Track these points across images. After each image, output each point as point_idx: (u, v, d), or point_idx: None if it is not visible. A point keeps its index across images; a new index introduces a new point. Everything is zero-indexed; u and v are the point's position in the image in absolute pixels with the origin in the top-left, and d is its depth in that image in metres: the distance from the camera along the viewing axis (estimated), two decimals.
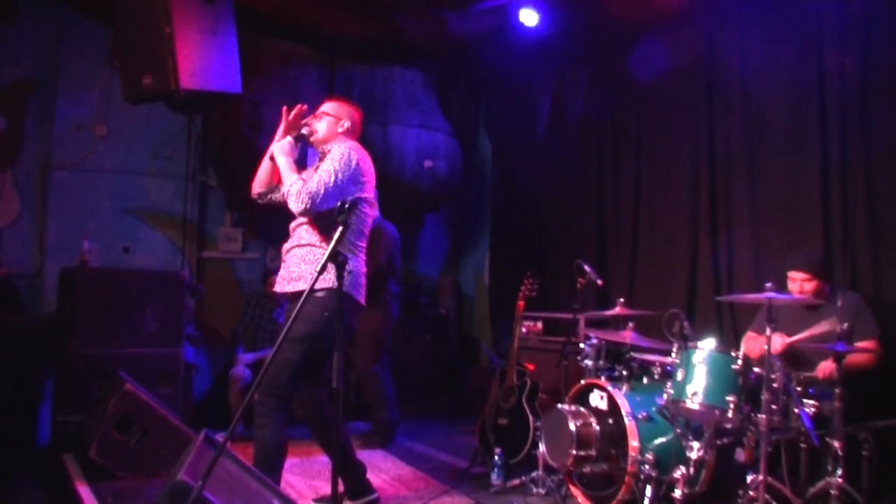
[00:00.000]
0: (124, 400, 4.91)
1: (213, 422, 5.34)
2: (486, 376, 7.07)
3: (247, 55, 6.16)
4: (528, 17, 6.79)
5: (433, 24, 7.12)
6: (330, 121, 4.25)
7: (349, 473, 4.34)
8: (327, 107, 4.32)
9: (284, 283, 4.08)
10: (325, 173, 3.94)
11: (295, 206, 3.93)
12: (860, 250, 4.86)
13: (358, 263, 4.09)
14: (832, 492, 3.82)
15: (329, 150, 4.12)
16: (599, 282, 5.29)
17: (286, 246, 4.16)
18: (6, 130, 6.85)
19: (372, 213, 4.27)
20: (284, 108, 4.22)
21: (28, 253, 6.89)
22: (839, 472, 3.84)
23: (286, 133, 4.19)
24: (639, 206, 6.47)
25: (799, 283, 4.55)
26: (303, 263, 4.01)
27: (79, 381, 5.39)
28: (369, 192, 4.15)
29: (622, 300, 4.99)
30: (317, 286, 3.44)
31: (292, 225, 4.15)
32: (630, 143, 6.63)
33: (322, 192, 3.89)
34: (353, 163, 4.01)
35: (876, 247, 4.79)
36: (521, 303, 5.50)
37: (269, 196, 4.27)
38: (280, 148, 4.13)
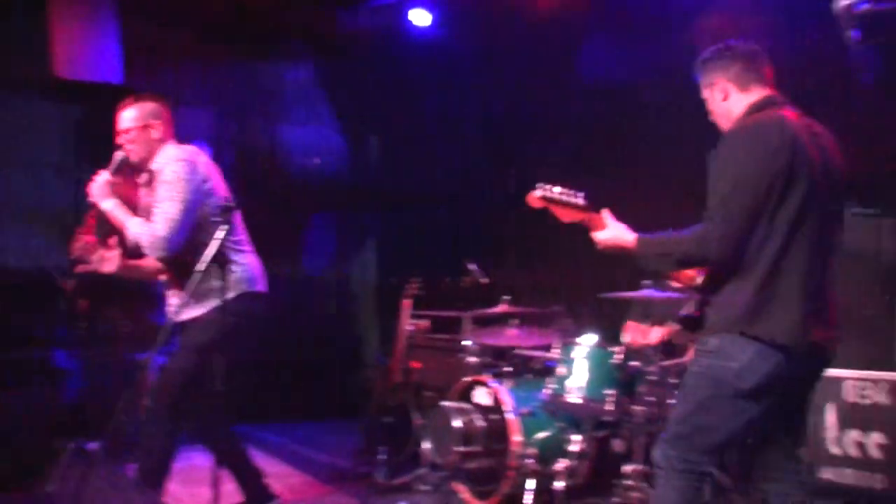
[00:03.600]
0: None
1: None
2: (371, 375, 7.03)
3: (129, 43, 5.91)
4: (420, 18, 6.81)
5: (323, 19, 7.03)
6: (138, 133, 3.76)
7: (246, 480, 4.16)
8: (127, 116, 3.78)
9: (183, 311, 3.73)
10: (165, 206, 3.58)
11: (152, 254, 3.65)
12: None
13: (245, 257, 3.91)
14: None
15: (158, 171, 3.71)
16: (485, 280, 5.34)
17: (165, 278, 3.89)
18: None
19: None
20: None
21: None
22: None
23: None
24: (524, 204, 6.55)
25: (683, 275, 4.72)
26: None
27: None
28: (220, 189, 3.81)
29: (507, 298, 5.05)
30: (227, 295, 3.42)
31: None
32: (519, 142, 6.70)
33: (172, 229, 3.56)
34: (187, 175, 3.64)
35: None
36: (408, 301, 5.50)
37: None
38: (99, 193, 3.70)
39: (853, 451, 3.91)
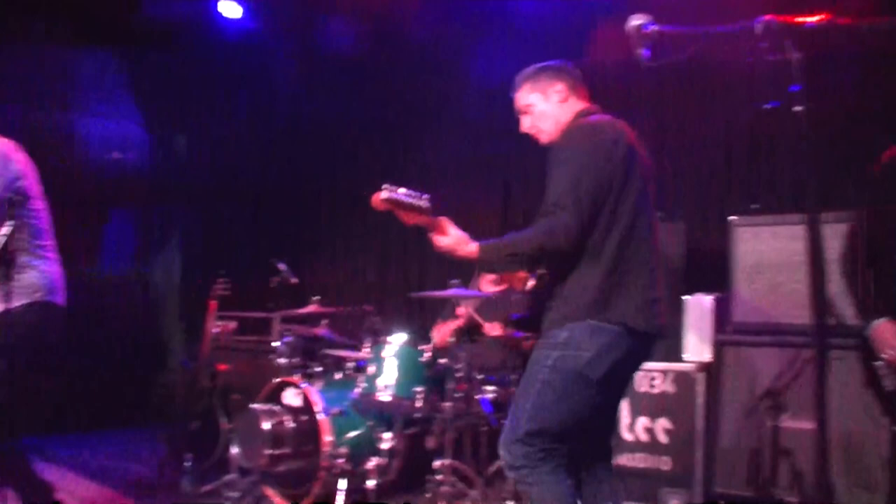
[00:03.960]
0: None
1: None
2: (176, 379, 6.76)
3: None
4: (230, 10, 6.60)
5: (124, 6, 6.62)
6: None
7: (33, 497, 3.81)
8: None
9: None
10: None
11: None
12: None
13: (48, 264, 3.59)
14: None
15: None
16: (294, 279, 5.27)
17: None
18: None
19: (43, 206, 3.78)
20: None
21: None
22: None
23: None
24: (336, 203, 6.53)
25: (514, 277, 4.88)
26: None
27: None
28: (33, 185, 3.56)
29: (317, 297, 5.02)
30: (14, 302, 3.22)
31: None
32: (334, 139, 6.64)
33: None
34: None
35: None
36: (214, 302, 5.33)
37: None
38: None
39: (644, 437, 4.21)
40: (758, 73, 1.92)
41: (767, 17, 1.86)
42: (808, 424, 3.76)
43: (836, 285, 3.71)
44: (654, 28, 2.20)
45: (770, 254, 4.07)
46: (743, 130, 4.38)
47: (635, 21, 2.23)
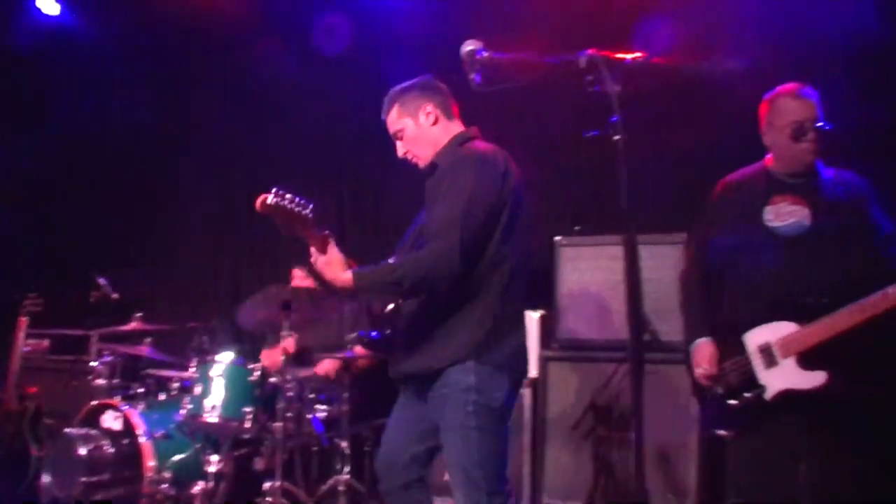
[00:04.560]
0: None
1: None
2: None
3: None
4: (47, 5, 6.21)
5: None
6: None
7: None
8: None
9: None
10: None
11: None
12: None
13: None
14: (340, 488, 4.19)
15: None
16: (115, 295, 5.01)
17: None
18: None
19: None
20: None
21: None
22: (347, 469, 4.21)
23: None
24: (161, 213, 6.24)
25: (299, 281, 4.84)
26: None
27: None
28: None
29: (140, 314, 4.79)
30: None
31: None
32: (157, 145, 6.34)
33: None
34: None
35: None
36: (23, 318, 4.98)
37: None
38: None
39: None
40: (582, 102, 2.03)
41: (590, 51, 1.96)
42: (627, 434, 3.96)
43: (651, 304, 3.99)
44: (486, 54, 2.26)
45: (592, 273, 4.28)
46: (568, 156, 4.58)
47: (468, 46, 2.29)
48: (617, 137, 1.94)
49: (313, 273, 2.54)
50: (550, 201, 4.82)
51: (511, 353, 2.67)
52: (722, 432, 3.00)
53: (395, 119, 2.85)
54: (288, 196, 2.48)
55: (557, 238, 4.32)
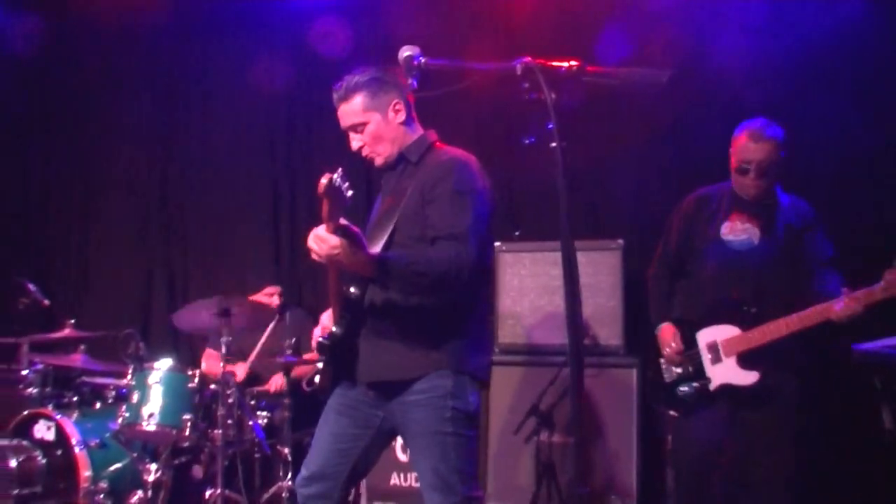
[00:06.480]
0: None
1: None
2: None
3: None
4: None
5: None
6: None
7: None
8: None
9: None
10: None
11: None
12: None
13: None
14: (283, 494, 4.15)
15: None
16: (45, 301, 4.88)
17: None
18: None
19: None
20: None
21: None
22: (289, 475, 4.17)
23: None
24: (88, 215, 6.02)
25: (269, 297, 4.79)
26: None
27: None
28: None
29: (72, 321, 4.68)
30: None
31: None
32: (71, 140, 6.12)
33: None
34: None
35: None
36: None
37: None
38: None
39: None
40: (519, 109, 2.04)
41: (526, 59, 1.97)
42: (569, 439, 4.00)
43: (589, 309, 4.07)
44: (423, 60, 2.26)
45: (531, 278, 4.32)
46: (505, 162, 4.61)
47: (406, 52, 2.28)
48: (553, 144, 1.95)
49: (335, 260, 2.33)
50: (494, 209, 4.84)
51: (487, 363, 2.74)
52: (672, 412, 3.51)
53: (358, 111, 2.65)
54: (346, 183, 2.32)
55: (497, 244, 4.34)
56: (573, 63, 1.98)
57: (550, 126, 1.94)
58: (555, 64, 1.97)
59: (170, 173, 5.83)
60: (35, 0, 6.03)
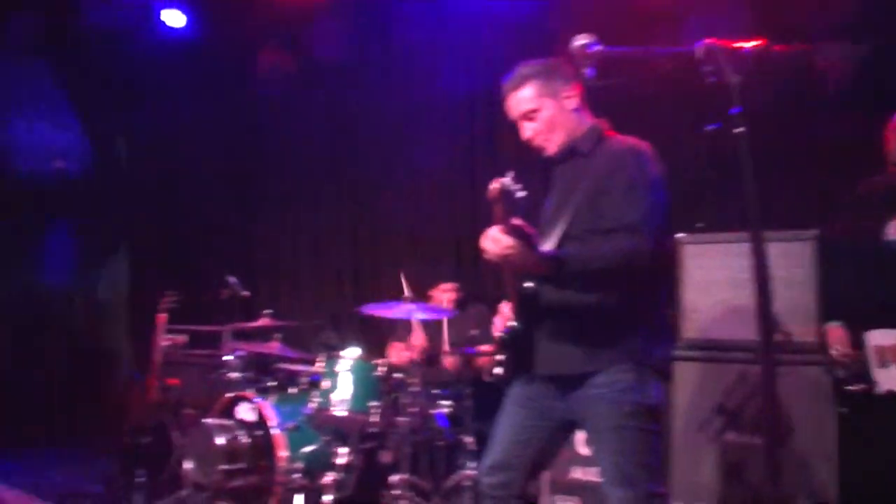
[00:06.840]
0: None
1: None
2: (125, 393, 6.64)
3: None
4: (173, 18, 6.53)
5: (61, 12, 6.50)
6: None
7: None
8: None
9: None
10: None
11: None
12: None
13: None
14: (465, 483, 4.18)
15: None
16: (245, 293, 5.22)
17: None
18: None
19: None
20: None
21: None
22: (472, 464, 4.19)
23: None
24: (287, 216, 6.47)
25: (444, 293, 4.89)
26: None
27: None
28: None
29: (268, 311, 4.97)
30: None
31: None
32: (276, 153, 6.59)
33: None
34: None
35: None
36: (163, 315, 5.26)
37: None
38: None
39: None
40: (700, 95, 1.95)
41: (707, 40, 1.89)
42: (757, 439, 3.80)
43: (782, 303, 3.82)
44: (598, 48, 2.22)
45: (717, 271, 4.11)
46: (687, 151, 4.44)
47: (580, 41, 2.24)
48: (739, 130, 1.87)
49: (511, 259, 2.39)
50: (670, 198, 4.69)
51: (668, 355, 2.66)
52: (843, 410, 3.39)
53: (532, 97, 2.64)
54: (518, 185, 2.37)
55: (679, 236, 4.19)
56: (758, 42, 1.88)
57: (736, 110, 1.85)
58: (738, 44, 1.88)
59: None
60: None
